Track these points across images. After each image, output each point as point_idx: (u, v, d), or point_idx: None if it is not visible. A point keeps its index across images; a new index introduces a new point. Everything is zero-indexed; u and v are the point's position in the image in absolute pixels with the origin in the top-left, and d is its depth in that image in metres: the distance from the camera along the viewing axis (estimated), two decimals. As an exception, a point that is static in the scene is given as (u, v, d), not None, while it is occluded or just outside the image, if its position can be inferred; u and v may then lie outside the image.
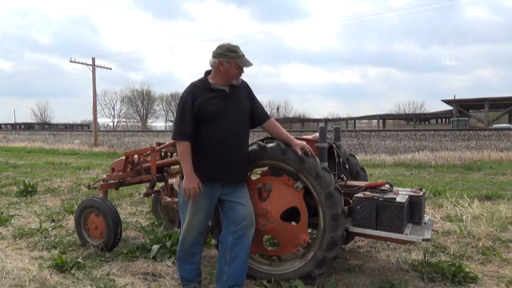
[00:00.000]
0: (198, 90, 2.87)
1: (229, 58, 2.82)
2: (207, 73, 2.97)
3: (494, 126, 31.76)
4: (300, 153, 2.96)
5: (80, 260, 3.72)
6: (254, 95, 3.09)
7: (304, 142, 3.05)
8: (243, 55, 2.87)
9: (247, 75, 3.01)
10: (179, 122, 2.86)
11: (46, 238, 4.66)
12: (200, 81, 2.94)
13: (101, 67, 29.99)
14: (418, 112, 61.95)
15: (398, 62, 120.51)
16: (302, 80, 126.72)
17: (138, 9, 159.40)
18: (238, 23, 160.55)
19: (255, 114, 3.05)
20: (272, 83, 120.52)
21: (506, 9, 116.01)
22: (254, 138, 3.20)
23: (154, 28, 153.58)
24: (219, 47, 2.87)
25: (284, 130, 3.15)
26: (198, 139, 2.86)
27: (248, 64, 2.89)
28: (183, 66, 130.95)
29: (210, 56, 2.91)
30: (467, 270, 3.39)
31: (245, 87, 3.06)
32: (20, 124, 68.22)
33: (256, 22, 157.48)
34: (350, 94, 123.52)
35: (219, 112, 2.83)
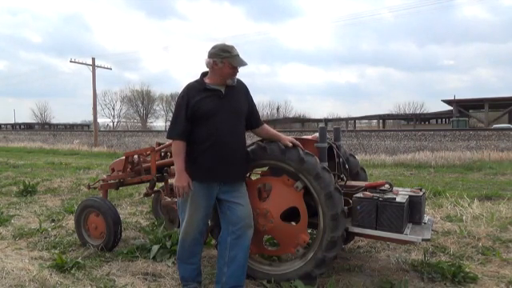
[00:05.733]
0: (193, 90, 2.90)
1: (222, 58, 2.84)
2: (203, 74, 3.00)
3: (494, 126, 31.74)
4: (290, 145, 3.05)
5: (80, 260, 3.72)
6: (252, 100, 3.12)
7: (291, 138, 3.15)
8: (237, 55, 2.88)
9: (244, 75, 3.04)
10: (174, 122, 2.93)
11: (45, 238, 4.66)
12: (196, 81, 2.98)
13: (101, 67, 30.03)
14: (418, 112, 61.92)
15: (395, 61, 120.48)
16: (299, 80, 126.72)
17: (130, 7, 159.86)
18: (233, 22, 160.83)
19: (251, 119, 3.10)
20: (269, 83, 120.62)
21: (503, 8, 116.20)
22: (254, 138, 3.21)
23: (147, 27, 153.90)
24: (213, 47, 2.90)
25: (273, 131, 3.25)
26: (194, 138, 2.88)
27: (242, 63, 2.91)
28: (179, 66, 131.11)
29: (206, 56, 2.93)
30: (467, 270, 3.39)
31: (244, 90, 3.08)
32: (20, 124, 68.19)
33: (251, 21, 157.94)
34: (348, 94, 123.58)
35: (214, 111, 2.86)
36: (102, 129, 51.68)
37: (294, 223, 3.33)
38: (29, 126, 64.27)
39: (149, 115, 74.74)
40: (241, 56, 2.91)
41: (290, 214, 3.23)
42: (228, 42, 2.95)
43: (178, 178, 2.86)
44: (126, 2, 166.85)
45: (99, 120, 51.55)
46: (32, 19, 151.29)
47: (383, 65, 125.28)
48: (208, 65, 2.91)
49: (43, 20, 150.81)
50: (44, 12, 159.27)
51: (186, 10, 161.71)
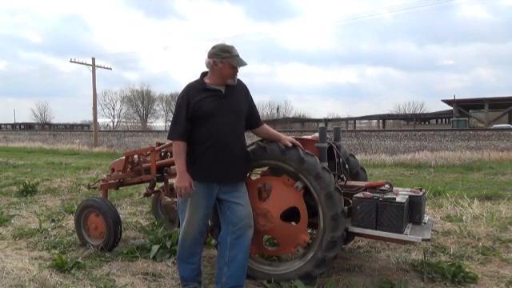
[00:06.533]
0: (193, 90, 2.90)
1: (222, 58, 2.84)
2: (203, 74, 3.00)
3: (494, 126, 31.74)
4: (290, 145, 3.05)
5: (80, 260, 3.72)
6: (252, 100, 3.13)
7: (291, 138, 3.15)
8: (237, 55, 2.88)
9: (244, 75, 3.05)
10: (174, 123, 2.92)
11: (45, 238, 4.66)
12: (196, 81, 2.97)
13: (101, 67, 30.02)
14: (418, 112, 61.93)
15: (395, 61, 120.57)
16: (299, 80, 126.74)
17: (129, 7, 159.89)
18: (233, 22, 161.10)
19: (251, 119, 3.10)
20: (269, 83, 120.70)
21: (503, 8, 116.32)
22: (254, 138, 3.21)
23: (146, 27, 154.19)
24: (213, 47, 2.89)
25: (273, 131, 3.25)
26: (194, 138, 2.88)
27: (242, 64, 2.90)
28: (179, 66, 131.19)
29: (205, 56, 2.93)
30: (467, 270, 3.39)
31: (244, 90, 3.08)
32: (20, 124, 68.17)
33: (251, 21, 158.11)
34: (348, 94, 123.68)
35: (214, 111, 2.85)
36: (102, 129, 51.68)
37: (294, 223, 3.33)
38: (29, 126, 64.27)
39: (149, 115, 74.78)
40: (240, 56, 2.91)
41: (290, 214, 3.23)
42: (228, 42, 2.95)
43: (180, 179, 2.85)
44: (125, 2, 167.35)
45: (99, 120, 51.61)
46: (31, 19, 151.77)
47: (383, 65, 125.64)
48: (208, 65, 2.91)
49: (42, 20, 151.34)
50: (43, 12, 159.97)
51: (185, 9, 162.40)
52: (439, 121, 55.01)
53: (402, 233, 2.92)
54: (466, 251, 3.98)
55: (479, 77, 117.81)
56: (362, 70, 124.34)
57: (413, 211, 3.19)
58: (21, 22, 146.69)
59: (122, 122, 74.12)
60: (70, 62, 28.52)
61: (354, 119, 57.80)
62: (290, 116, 66.38)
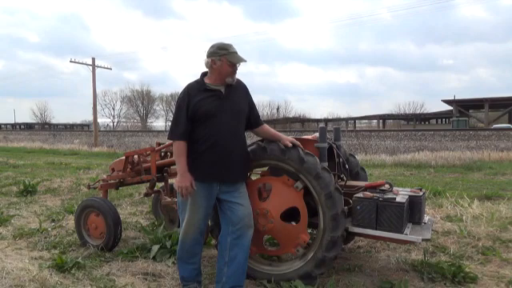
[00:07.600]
0: (193, 90, 2.90)
1: (220, 56, 2.85)
2: (203, 74, 3.00)
3: (494, 126, 31.75)
4: (290, 145, 3.05)
5: (80, 260, 3.72)
6: (252, 100, 3.13)
7: (291, 138, 3.15)
8: (235, 52, 2.88)
9: (243, 74, 3.05)
10: (175, 123, 2.92)
11: (45, 238, 4.66)
12: (196, 82, 2.97)
13: (101, 67, 30.03)
14: (418, 112, 61.91)
15: (395, 61, 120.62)
16: (299, 80, 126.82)
17: (128, 7, 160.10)
18: (232, 22, 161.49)
19: (251, 118, 3.10)
20: (269, 83, 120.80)
21: (502, 7, 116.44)
22: (254, 138, 3.21)
23: (145, 27, 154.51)
24: (211, 47, 2.90)
25: (273, 131, 3.25)
26: (194, 138, 2.88)
27: (240, 60, 2.90)
28: (179, 66, 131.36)
29: (204, 56, 2.94)
30: (467, 270, 3.39)
31: (244, 89, 3.08)
32: (20, 124, 68.18)
33: (250, 21, 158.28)
34: (348, 94, 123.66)
35: (214, 111, 2.85)
36: (102, 129, 51.71)
37: (294, 223, 3.33)
38: (29, 126, 64.29)
39: (149, 115, 74.78)
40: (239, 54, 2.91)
41: (290, 214, 3.23)
42: (227, 41, 2.95)
43: (181, 178, 2.85)
44: (124, 2, 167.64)
45: (99, 120, 51.62)
46: (30, 19, 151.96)
47: (382, 65, 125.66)
48: (207, 64, 2.92)
49: (41, 19, 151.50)
50: (41, 12, 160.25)
51: (184, 9, 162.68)
52: (439, 121, 55.03)
53: (402, 233, 2.92)
54: (466, 251, 3.98)
55: (479, 77, 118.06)
56: (362, 70, 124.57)
57: (413, 211, 3.19)
58: (20, 22, 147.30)
59: (122, 122, 74.18)
60: (70, 62, 28.61)
61: (354, 119, 57.82)
62: (290, 116, 66.29)
